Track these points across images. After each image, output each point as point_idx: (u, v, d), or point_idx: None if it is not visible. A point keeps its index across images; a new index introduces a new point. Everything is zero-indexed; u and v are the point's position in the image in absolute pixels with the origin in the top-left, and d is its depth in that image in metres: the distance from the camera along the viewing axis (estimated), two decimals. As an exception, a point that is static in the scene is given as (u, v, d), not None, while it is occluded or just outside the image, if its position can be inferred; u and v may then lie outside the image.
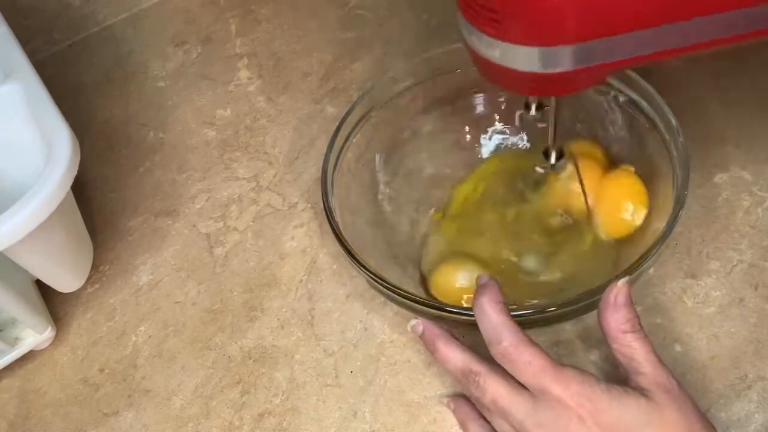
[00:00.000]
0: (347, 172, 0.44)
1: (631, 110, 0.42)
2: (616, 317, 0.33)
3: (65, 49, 0.66)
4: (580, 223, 0.42)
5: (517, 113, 0.40)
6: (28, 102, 0.41)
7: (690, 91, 0.48)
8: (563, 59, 0.29)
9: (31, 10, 0.65)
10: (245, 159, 0.53)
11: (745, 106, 0.47)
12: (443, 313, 0.36)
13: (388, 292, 0.38)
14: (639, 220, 0.40)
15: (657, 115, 0.41)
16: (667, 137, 0.40)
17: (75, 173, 0.38)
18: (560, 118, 0.38)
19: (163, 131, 0.57)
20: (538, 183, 0.44)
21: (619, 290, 0.33)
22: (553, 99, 0.36)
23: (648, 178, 0.41)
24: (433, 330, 0.36)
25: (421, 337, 0.37)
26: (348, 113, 0.44)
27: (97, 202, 0.53)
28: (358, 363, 0.41)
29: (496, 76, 0.32)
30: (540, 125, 0.38)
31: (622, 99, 0.43)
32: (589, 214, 0.42)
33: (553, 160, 0.40)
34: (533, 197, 0.44)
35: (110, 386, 0.43)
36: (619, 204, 0.41)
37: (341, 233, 0.40)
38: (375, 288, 0.40)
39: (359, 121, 0.45)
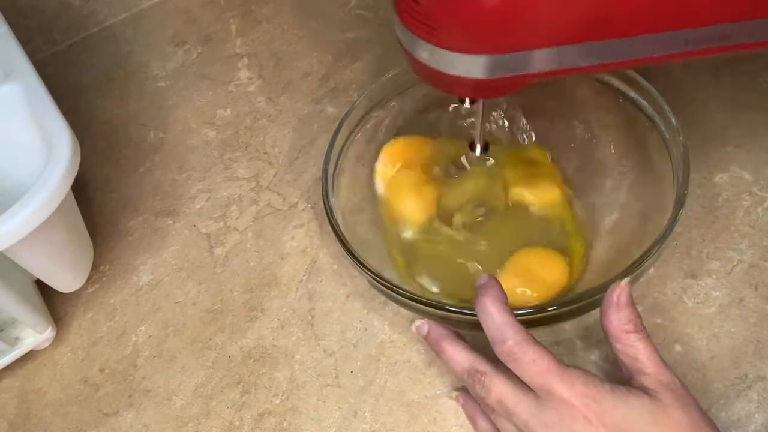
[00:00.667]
0: (347, 172, 0.44)
1: (631, 110, 0.42)
2: (618, 317, 0.33)
3: (65, 49, 0.66)
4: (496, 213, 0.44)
5: (452, 105, 0.42)
6: (28, 102, 0.41)
7: (690, 91, 0.48)
8: (486, 68, 0.30)
9: (31, 10, 0.65)
10: (245, 159, 0.53)
11: (745, 106, 0.47)
12: (444, 313, 0.36)
13: (389, 291, 0.38)
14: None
15: (657, 115, 0.41)
16: (668, 136, 0.40)
17: (75, 173, 0.38)
18: (486, 115, 0.40)
19: (163, 131, 0.57)
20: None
21: (621, 290, 0.33)
22: (480, 99, 0.38)
23: (648, 177, 0.41)
24: (439, 330, 0.36)
25: (426, 337, 0.37)
26: (348, 113, 0.44)
27: (97, 202, 0.53)
28: (358, 363, 0.41)
29: (426, 76, 0.33)
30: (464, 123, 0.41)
31: (621, 98, 0.43)
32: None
33: (478, 152, 0.42)
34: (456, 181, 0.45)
35: (110, 386, 0.43)
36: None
37: (341, 233, 0.40)
38: (375, 288, 0.40)
39: (359, 121, 0.45)
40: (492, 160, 0.43)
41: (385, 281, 0.38)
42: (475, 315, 0.35)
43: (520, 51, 0.29)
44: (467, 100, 0.39)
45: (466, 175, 0.44)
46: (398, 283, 0.38)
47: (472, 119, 0.41)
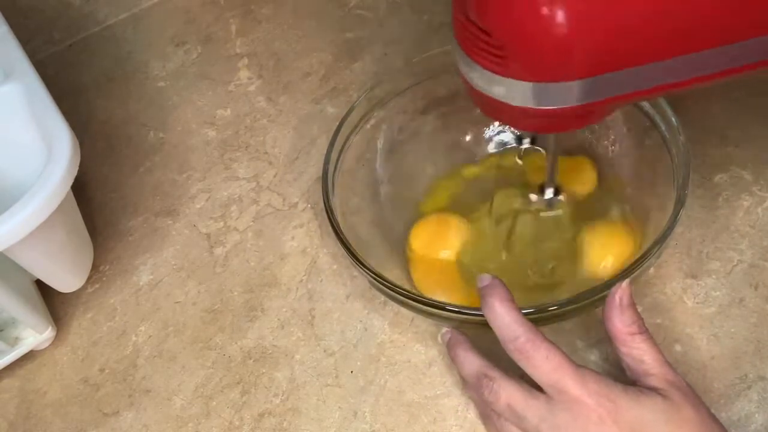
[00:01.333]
0: (348, 172, 0.44)
1: (631, 109, 0.42)
2: (622, 319, 0.33)
3: (65, 49, 0.66)
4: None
5: (516, 153, 0.40)
6: (28, 102, 0.41)
7: (690, 91, 0.48)
8: (564, 95, 0.28)
9: (31, 10, 0.65)
10: (245, 159, 0.53)
11: (745, 106, 0.47)
12: (444, 312, 0.36)
13: (390, 291, 0.38)
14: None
15: (657, 114, 0.41)
16: (668, 136, 0.40)
17: (75, 173, 0.38)
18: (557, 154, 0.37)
19: (163, 131, 0.57)
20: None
21: (623, 291, 0.33)
22: (551, 135, 0.36)
23: (648, 177, 0.41)
24: (457, 337, 0.37)
25: (446, 344, 0.37)
26: (348, 113, 0.44)
27: (97, 202, 0.53)
28: (358, 363, 0.41)
29: (494, 112, 0.32)
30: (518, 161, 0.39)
31: None
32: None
33: (548, 195, 0.40)
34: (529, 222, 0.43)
35: (110, 386, 0.43)
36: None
37: (342, 233, 0.40)
38: (376, 288, 0.40)
39: (359, 121, 0.45)
40: (562, 200, 0.41)
41: (386, 281, 0.38)
42: (475, 314, 0.35)
43: (602, 74, 0.27)
44: (524, 142, 0.37)
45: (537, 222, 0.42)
46: (398, 283, 0.38)
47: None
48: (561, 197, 0.41)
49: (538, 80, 0.28)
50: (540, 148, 0.40)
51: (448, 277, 0.42)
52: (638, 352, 0.32)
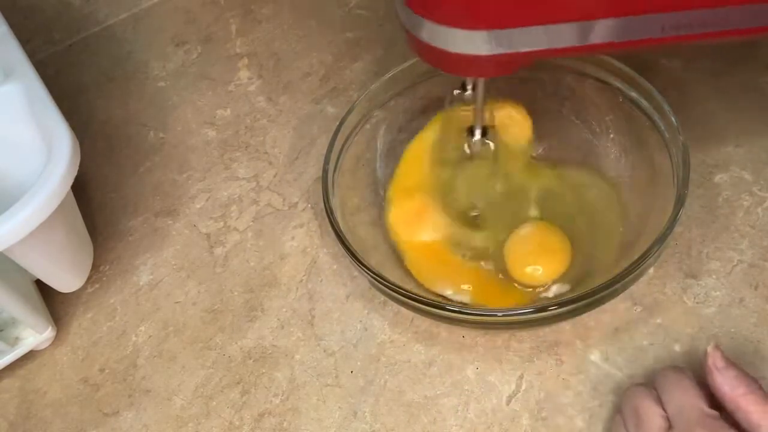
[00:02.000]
0: (348, 172, 0.44)
1: (631, 109, 0.42)
2: (725, 381, 0.31)
3: (65, 49, 0.66)
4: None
5: (454, 91, 0.42)
6: (28, 102, 0.41)
7: (690, 91, 0.48)
8: (483, 44, 0.31)
9: (31, 10, 0.65)
10: (245, 159, 0.53)
11: (745, 106, 0.47)
12: (444, 312, 0.36)
13: (390, 291, 0.38)
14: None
15: (657, 114, 0.41)
16: (668, 136, 0.40)
17: (75, 173, 0.38)
18: (486, 97, 0.40)
19: (163, 131, 0.57)
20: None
21: (713, 356, 0.32)
22: (480, 80, 0.38)
23: (648, 176, 0.41)
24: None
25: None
26: (348, 113, 0.44)
27: (97, 202, 0.53)
28: (358, 363, 0.41)
29: (427, 56, 0.34)
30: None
31: (621, 98, 0.43)
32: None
33: (478, 136, 0.42)
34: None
35: (110, 386, 0.43)
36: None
37: (342, 233, 0.40)
38: (376, 288, 0.40)
39: (359, 121, 0.45)
40: (492, 144, 0.43)
41: (386, 281, 0.38)
42: (473, 314, 0.35)
43: (519, 27, 0.30)
44: (469, 87, 0.40)
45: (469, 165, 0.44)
46: (399, 283, 0.38)
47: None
48: (489, 141, 0.43)
49: (452, 26, 0.31)
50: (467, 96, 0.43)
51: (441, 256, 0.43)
52: (756, 416, 0.30)
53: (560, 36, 0.30)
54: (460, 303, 0.40)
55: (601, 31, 0.30)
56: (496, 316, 0.36)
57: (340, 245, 0.40)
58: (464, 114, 0.42)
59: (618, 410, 0.34)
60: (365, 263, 0.38)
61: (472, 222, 0.43)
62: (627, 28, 0.30)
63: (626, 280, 0.35)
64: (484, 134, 0.42)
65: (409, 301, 0.37)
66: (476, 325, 0.38)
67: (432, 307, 0.37)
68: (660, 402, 0.32)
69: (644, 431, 0.31)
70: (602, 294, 0.35)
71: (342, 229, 0.40)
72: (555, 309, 0.35)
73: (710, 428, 0.29)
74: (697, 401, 0.31)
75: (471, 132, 0.42)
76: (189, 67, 0.61)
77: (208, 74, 0.60)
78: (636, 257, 0.35)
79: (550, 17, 0.30)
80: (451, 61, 0.33)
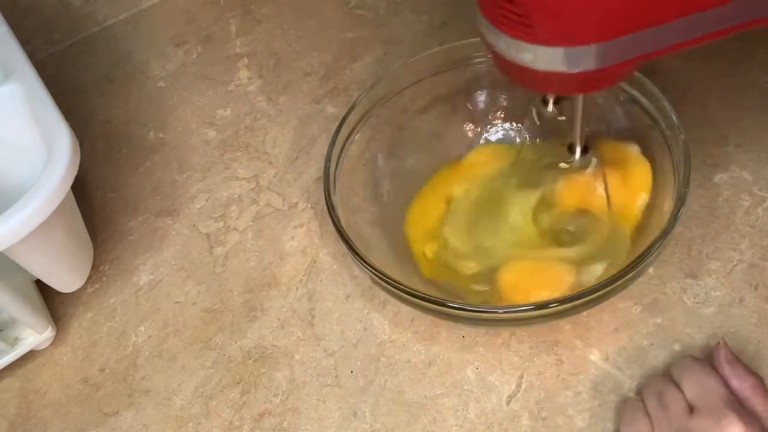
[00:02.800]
0: (348, 172, 0.44)
1: (632, 107, 0.42)
2: (734, 374, 0.33)
3: (65, 49, 0.66)
4: (598, 218, 0.42)
5: (533, 109, 0.39)
6: (28, 102, 0.41)
7: (690, 92, 0.48)
8: (588, 58, 0.30)
9: (31, 10, 0.65)
10: (245, 159, 0.53)
11: (745, 106, 0.47)
12: (446, 309, 0.36)
13: (391, 288, 0.38)
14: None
15: (658, 113, 0.41)
16: (668, 134, 0.40)
17: (75, 173, 0.38)
18: (585, 113, 0.38)
19: (163, 131, 0.57)
20: (554, 178, 0.44)
21: (722, 350, 0.34)
22: (579, 95, 0.37)
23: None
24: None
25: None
26: (349, 112, 0.44)
27: (97, 202, 0.53)
28: (358, 363, 0.41)
29: (520, 77, 0.33)
30: (559, 118, 0.39)
31: (623, 97, 0.43)
32: (609, 211, 0.42)
33: (578, 155, 0.40)
34: (550, 191, 0.44)
35: (110, 386, 0.43)
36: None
37: (343, 230, 0.40)
38: (378, 284, 0.40)
39: (360, 119, 0.45)
40: (595, 160, 0.42)
41: (388, 278, 0.38)
42: (474, 311, 0.35)
43: (624, 35, 0.29)
44: (551, 101, 0.38)
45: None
46: (399, 279, 0.38)
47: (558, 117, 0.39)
48: (592, 156, 0.41)
49: (559, 45, 0.29)
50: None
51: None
52: (760, 408, 0.31)
53: (666, 36, 0.29)
54: (462, 301, 0.40)
55: (707, 20, 0.29)
56: (497, 312, 0.36)
57: (340, 244, 0.40)
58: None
59: (636, 395, 0.36)
60: (367, 260, 0.38)
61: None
62: (734, 12, 0.29)
63: (627, 277, 0.35)
64: (584, 152, 0.40)
65: (411, 298, 0.37)
66: (478, 322, 0.38)
67: (434, 303, 0.37)
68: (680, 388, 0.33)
69: (670, 413, 0.32)
70: (603, 291, 0.35)
71: (343, 225, 0.40)
72: (556, 306, 0.35)
73: (734, 408, 0.30)
74: (720, 384, 0.32)
75: (571, 150, 0.40)
76: (189, 67, 0.61)
77: (208, 74, 0.60)
78: (636, 255, 0.35)
79: (653, 20, 0.29)
80: (552, 81, 0.31)
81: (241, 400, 0.41)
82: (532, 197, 0.43)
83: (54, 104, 0.41)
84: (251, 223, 0.49)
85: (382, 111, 0.46)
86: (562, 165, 0.42)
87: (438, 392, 0.39)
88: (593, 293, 0.35)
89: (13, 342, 0.44)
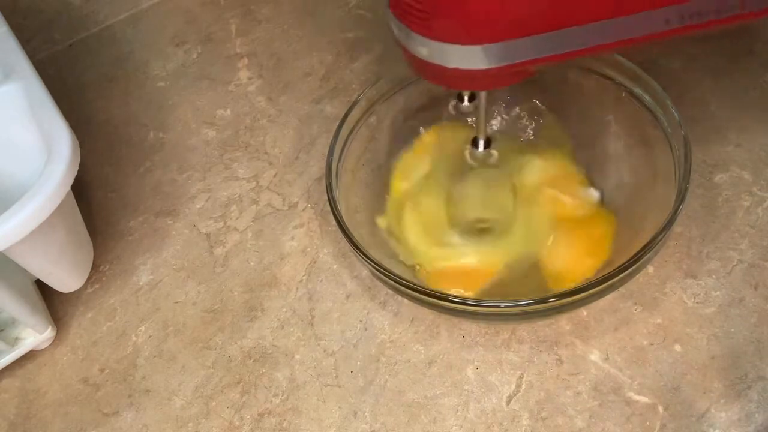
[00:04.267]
0: (348, 172, 0.44)
1: (634, 104, 0.42)
2: None
3: (65, 49, 0.66)
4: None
5: (451, 103, 0.42)
6: (28, 102, 0.41)
7: (690, 91, 0.48)
8: (484, 58, 0.31)
9: (31, 10, 0.65)
10: (245, 159, 0.53)
11: (745, 106, 0.47)
12: (447, 304, 0.36)
13: (393, 283, 0.38)
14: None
15: (660, 110, 0.41)
16: (670, 131, 0.40)
17: (75, 173, 0.38)
18: (489, 108, 0.41)
19: (163, 131, 0.57)
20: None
21: None
22: (482, 92, 0.38)
23: (650, 172, 0.41)
24: None
25: None
26: (349, 110, 0.44)
27: (97, 202, 0.53)
28: (358, 363, 0.41)
29: (426, 73, 0.34)
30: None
31: (624, 93, 0.43)
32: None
33: (481, 148, 0.42)
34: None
35: (110, 386, 0.43)
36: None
37: (345, 225, 0.40)
38: (380, 279, 0.40)
39: (360, 118, 0.45)
40: (495, 154, 0.43)
41: (390, 273, 0.37)
42: (476, 306, 0.35)
43: (512, 39, 0.30)
44: (466, 97, 0.40)
45: (472, 175, 0.44)
46: (401, 274, 0.38)
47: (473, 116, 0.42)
48: (493, 151, 0.43)
49: (452, 42, 0.31)
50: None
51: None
52: None
53: (560, 42, 0.30)
54: (463, 296, 0.40)
55: (603, 31, 0.30)
56: (498, 307, 0.36)
57: (340, 244, 0.40)
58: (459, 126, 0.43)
59: None
60: (369, 255, 0.38)
61: (479, 233, 0.43)
62: (629, 25, 0.30)
63: (628, 272, 0.35)
64: (487, 145, 0.42)
65: (412, 292, 0.37)
66: (478, 317, 0.38)
67: (436, 298, 0.37)
68: None
69: None
70: (603, 286, 0.35)
71: (345, 221, 0.40)
72: (555, 300, 0.35)
73: None
74: None
75: (475, 144, 0.42)
76: (189, 67, 0.61)
77: (208, 74, 0.60)
78: (636, 250, 0.35)
79: (547, 26, 0.30)
80: (449, 76, 0.33)
81: (241, 400, 0.41)
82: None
83: (54, 104, 0.41)
84: (251, 223, 0.49)
85: (382, 110, 0.46)
86: (466, 155, 0.44)
87: (438, 392, 0.39)
88: (594, 287, 0.35)
89: (13, 342, 0.44)
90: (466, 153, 0.44)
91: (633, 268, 0.35)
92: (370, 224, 0.44)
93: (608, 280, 0.35)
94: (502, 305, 0.36)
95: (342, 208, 0.42)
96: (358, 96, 0.45)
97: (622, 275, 0.35)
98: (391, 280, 0.38)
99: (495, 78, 0.33)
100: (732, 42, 0.51)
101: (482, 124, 0.41)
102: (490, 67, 0.31)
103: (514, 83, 0.35)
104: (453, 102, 0.42)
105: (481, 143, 0.42)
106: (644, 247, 0.35)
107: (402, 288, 0.38)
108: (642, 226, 0.40)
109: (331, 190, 0.41)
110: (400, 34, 0.33)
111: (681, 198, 0.37)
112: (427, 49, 0.32)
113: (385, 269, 0.38)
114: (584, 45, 0.30)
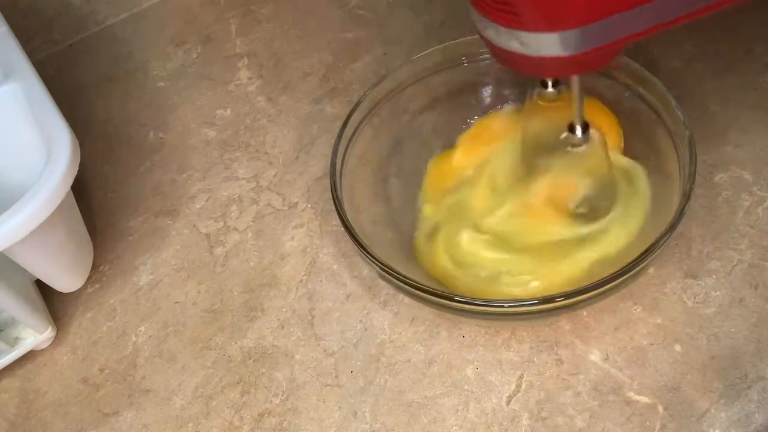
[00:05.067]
0: (350, 172, 0.44)
1: (637, 104, 0.42)
2: None
3: (65, 49, 0.66)
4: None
5: (535, 90, 0.41)
6: (28, 102, 0.42)
7: (690, 91, 0.48)
8: (581, 41, 0.31)
9: (31, 10, 0.65)
10: (245, 159, 0.53)
11: (745, 106, 0.47)
12: (452, 303, 0.36)
13: (397, 282, 0.38)
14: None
15: (663, 109, 0.41)
16: (674, 130, 0.40)
17: (75, 173, 0.38)
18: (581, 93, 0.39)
19: (163, 131, 0.57)
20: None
21: None
22: (575, 77, 0.37)
23: (654, 172, 0.41)
24: None
25: None
26: (352, 111, 0.44)
27: (97, 202, 0.53)
28: (358, 363, 0.41)
29: (516, 64, 0.34)
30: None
31: (627, 93, 0.43)
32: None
33: (579, 133, 0.40)
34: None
35: (110, 386, 0.43)
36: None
37: (349, 222, 0.39)
38: (384, 279, 0.40)
39: (363, 118, 0.45)
40: (598, 136, 0.41)
41: (394, 271, 0.37)
42: (482, 305, 0.35)
43: (606, 18, 0.30)
44: (549, 83, 0.39)
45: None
46: (405, 273, 0.38)
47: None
48: (592, 132, 0.41)
49: (547, 30, 0.31)
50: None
51: None
52: None
53: (650, 15, 0.30)
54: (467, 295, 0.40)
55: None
56: (502, 306, 0.36)
57: (340, 244, 0.40)
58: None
59: None
60: (374, 254, 0.38)
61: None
62: None
63: (633, 272, 0.35)
64: (584, 130, 0.40)
65: (417, 292, 0.37)
66: (483, 316, 0.38)
67: (440, 297, 0.36)
68: None
69: None
70: (609, 286, 0.35)
71: (349, 218, 0.40)
72: (561, 300, 0.35)
73: None
74: None
75: (571, 129, 0.40)
76: (189, 67, 0.61)
77: (208, 74, 0.60)
78: (641, 250, 0.35)
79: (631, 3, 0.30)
80: (545, 65, 0.33)
81: (241, 400, 0.41)
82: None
83: (54, 104, 0.41)
84: (251, 223, 0.49)
85: (383, 109, 0.46)
86: (570, 149, 0.42)
87: (438, 392, 0.39)
88: (596, 288, 0.35)
89: (13, 342, 0.44)
90: (562, 137, 0.42)
91: (640, 267, 0.35)
92: (372, 223, 0.44)
93: (612, 281, 0.35)
94: (506, 305, 0.36)
95: (346, 207, 0.42)
96: (361, 97, 0.45)
97: (626, 276, 0.35)
98: (397, 279, 0.38)
99: (591, 60, 0.33)
100: (732, 42, 0.51)
101: (579, 109, 0.39)
102: (587, 50, 0.31)
103: (606, 64, 0.35)
104: (537, 89, 0.41)
105: (579, 129, 0.40)
106: (649, 247, 0.35)
107: (407, 288, 0.38)
108: (647, 226, 0.40)
109: (335, 189, 0.41)
110: (489, 32, 0.33)
111: (686, 198, 0.36)
112: (519, 42, 0.32)
113: (391, 269, 0.38)
114: (675, 14, 0.30)
